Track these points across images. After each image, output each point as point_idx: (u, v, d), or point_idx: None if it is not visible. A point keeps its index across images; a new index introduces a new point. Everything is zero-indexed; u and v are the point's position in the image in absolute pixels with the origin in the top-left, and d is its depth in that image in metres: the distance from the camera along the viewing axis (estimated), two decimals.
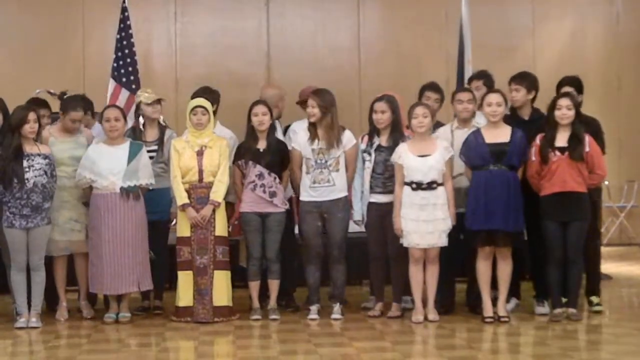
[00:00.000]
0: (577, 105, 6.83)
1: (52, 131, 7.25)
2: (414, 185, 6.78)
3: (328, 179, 7.05)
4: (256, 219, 7.06)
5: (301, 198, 7.16)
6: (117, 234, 6.89)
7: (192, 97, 7.41)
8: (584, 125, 7.03)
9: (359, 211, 7.08)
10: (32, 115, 6.82)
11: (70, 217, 7.08)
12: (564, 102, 6.79)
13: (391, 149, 6.93)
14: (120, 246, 6.90)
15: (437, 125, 7.32)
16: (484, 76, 7.63)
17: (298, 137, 7.18)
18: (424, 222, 6.75)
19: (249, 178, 7.06)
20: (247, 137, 7.16)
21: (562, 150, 6.73)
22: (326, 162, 7.06)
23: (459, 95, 7.25)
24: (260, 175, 7.03)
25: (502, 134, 6.83)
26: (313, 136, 7.07)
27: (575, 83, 7.32)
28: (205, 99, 7.22)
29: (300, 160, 7.14)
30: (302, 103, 7.58)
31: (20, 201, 6.74)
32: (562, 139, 6.76)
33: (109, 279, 6.91)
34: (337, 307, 7.09)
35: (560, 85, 7.29)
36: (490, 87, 7.36)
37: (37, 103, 7.57)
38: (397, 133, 7.00)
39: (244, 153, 7.12)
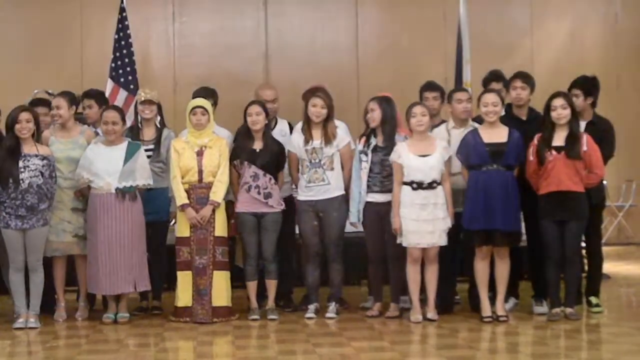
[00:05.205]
0: (572, 104, 6.82)
1: (52, 130, 7.25)
2: (414, 185, 6.78)
3: (323, 178, 7.06)
4: (252, 219, 7.06)
5: (298, 198, 7.18)
6: (113, 235, 6.89)
7: (193, 97, 7.42)
8: (593, 125, 7.04)
9: (355, 213, 7.07)
10: (23, 115, 6.81)
11: (62, 217, 7.06)
12: (558, 102, 6.78)
13: (388, 148, 6.94)
14: (116, 246, 6.89)
15: (442, 124, 7.33)
16: (502, 78, 7.58)
17: (293, 140, 7.19)
18: (425, 222, 6.75)
19: (243, 179, 7.06)
20: (243, 137, 7.16)
21: (559, 149, 6.73)
22: (320, 161, 7.07)
23: (458, 95, 7.25)
24: (255, 176, 7.03)
25: (499, 134, 6.84)
26: (307, 137, 7.08)
27: (586, 84, 7.27)
28: (205, 99, 7.23)
29: (297, 163, 7.15)
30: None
31: (15, 201, 6.75)
32: (559, 138, 6.76)
33: (105, 279, 6.90)
34: (332, 306, 7.09)
35: (570, 87, 7.25)
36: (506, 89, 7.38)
37: (37, 103, 7.57)
38: (389, 131, 6.99)
39: (239, 153, 7.12)
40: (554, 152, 6.71)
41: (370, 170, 7.00)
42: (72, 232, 7.07)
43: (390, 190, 6.92)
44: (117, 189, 6.90)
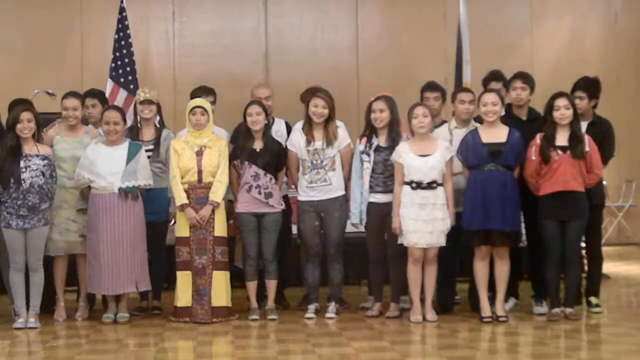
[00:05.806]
0: (574, 104, 6.83)
1: (58, 130, 7.25)
2: (414, 185, 6.78)
3: (325, 179, 7.06)
4: (252, 219, 7.06)
5: (299, 198, 7.17)
6: (115, 235, 6.89)
7: (191, 97, 7.42)
8: (595, 125, 7.04)
9: (357, 214, 7.06)
10: (25, 115, 6.82)
11: (68, 217, 7.07)
12: (562, 102, 6.78)
13: (390, 148, 6.94)
14: (117, 246, 6.89)
15: (442, 124, 7.33)
16: (502, 78, 7.57)
17: (293, 139, 7.19)
18: (424, 222, 6.75)
19: (244, 179, 7.05)
20: (243, 137, 7.16)
21: (563, 149, 6.73)
22: (322, 162, 7.07)
23: (462, 95, 7.24)
24: (256, 176, 7.03)
25: (499, 134, 6.83)
26: (309, 137, 7.08)
27: (590, 87, 7.26)
28: (204, 99, 7.23)
29: (297, 162, 7.15)
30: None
31: (16, 201, 6.75)
32: (562, 138, 6.76)
33: (106, 279, 6.90)
34: (332, 306, 7.09)
35: (573, 88, 7.24)
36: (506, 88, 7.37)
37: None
38: (395, 133, 7.00)
39: (239, 153, 7.12)
40: (559, 152, 6.71)
41: (373, 170, 6.99)
42: (77, 232, 7.08)
43: (392, 191, 6.91)
44: (119, 189, 6.90)
